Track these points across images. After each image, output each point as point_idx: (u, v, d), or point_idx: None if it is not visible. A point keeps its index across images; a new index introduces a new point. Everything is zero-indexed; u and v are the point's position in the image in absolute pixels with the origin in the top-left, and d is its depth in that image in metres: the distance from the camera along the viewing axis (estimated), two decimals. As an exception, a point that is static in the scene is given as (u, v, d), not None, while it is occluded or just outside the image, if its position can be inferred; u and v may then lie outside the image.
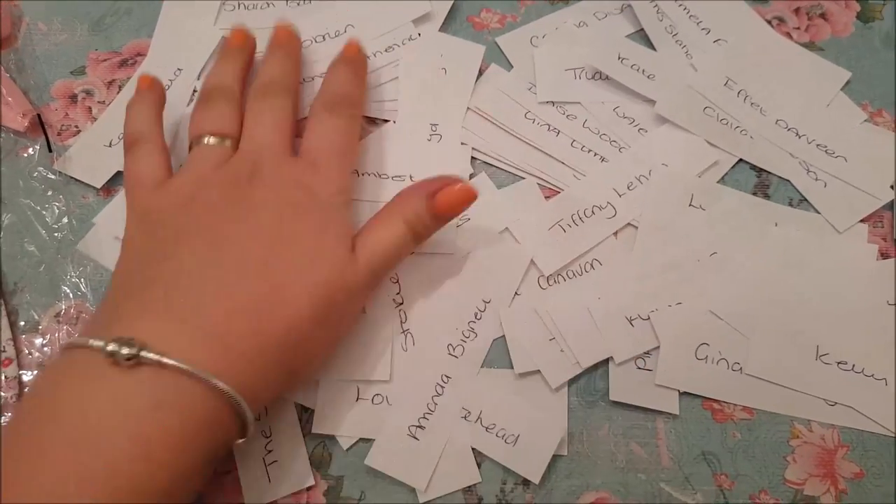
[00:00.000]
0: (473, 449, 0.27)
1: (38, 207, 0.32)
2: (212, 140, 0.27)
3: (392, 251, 0.26)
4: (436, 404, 0.27)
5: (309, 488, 0.27)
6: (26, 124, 0.33)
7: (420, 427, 0.27)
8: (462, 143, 0.32)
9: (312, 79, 0.34)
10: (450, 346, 0.28)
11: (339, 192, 0.27)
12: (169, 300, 0.23)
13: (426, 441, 0.27)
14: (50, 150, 0.33)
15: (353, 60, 0.31)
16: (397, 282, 0.29)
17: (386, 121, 0.33)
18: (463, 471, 0.27)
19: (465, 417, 0.27)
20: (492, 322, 0.29)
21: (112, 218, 0.31)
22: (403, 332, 0.29)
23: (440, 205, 0.26)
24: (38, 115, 0.33)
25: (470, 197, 0.26)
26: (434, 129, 0.32)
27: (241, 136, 0.28)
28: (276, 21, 0.32)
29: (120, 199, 0.32)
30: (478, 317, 0.29)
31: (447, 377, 0.28)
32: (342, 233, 0.26)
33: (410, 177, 0.31)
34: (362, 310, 0.28)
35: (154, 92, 0.30)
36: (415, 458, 0.27)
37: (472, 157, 0.32)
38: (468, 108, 0.33)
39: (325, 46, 0.34)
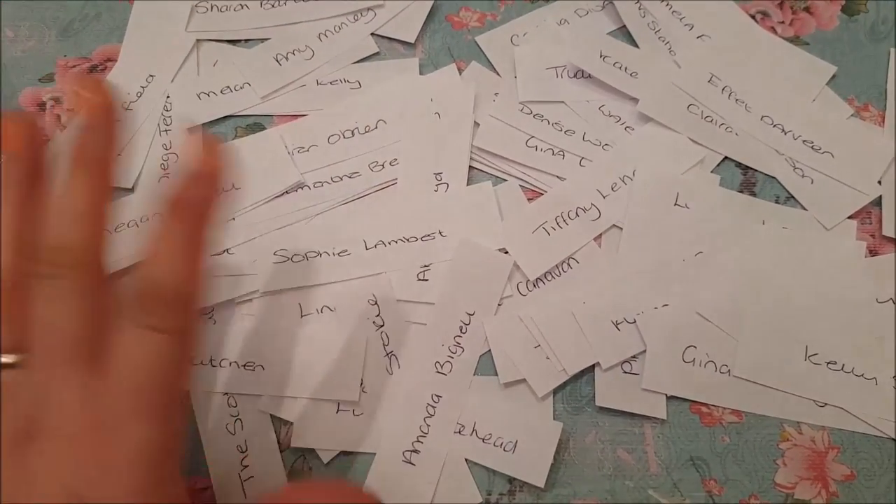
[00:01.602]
0: (471, 461, 0.26)
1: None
2: None
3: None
4: (428, 426, 0.27)
5: None
6: (-7, 134, 0.32)
7: (415, 451, 0.26)
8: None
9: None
10: (437, 364, 0.27)
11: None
12: None
13: (422, 465, 0.26)
14: (18, 160, 0.32)
15: (196, 208, 0.18)
16: (376, 303, 0.28)
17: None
18: (463, 492, 0.26)
19: (459, 432, 0.27)
20: (478, 334, 0.28)
21: None
22: (387, 354, 0.28)
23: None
24: (6, 124, 0.33)
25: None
26: (439, 178, 0.31)
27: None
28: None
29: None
30: (463, 331, 0.28)
31: (437, 396, 0.27)
32: None
33: (440, 232, 0.30)
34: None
35: None
36: (412, 484, 0.26)
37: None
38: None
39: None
